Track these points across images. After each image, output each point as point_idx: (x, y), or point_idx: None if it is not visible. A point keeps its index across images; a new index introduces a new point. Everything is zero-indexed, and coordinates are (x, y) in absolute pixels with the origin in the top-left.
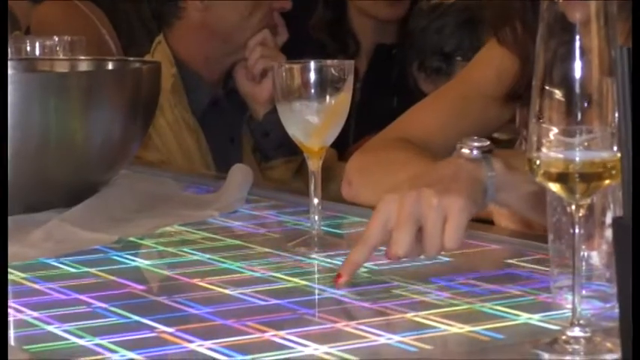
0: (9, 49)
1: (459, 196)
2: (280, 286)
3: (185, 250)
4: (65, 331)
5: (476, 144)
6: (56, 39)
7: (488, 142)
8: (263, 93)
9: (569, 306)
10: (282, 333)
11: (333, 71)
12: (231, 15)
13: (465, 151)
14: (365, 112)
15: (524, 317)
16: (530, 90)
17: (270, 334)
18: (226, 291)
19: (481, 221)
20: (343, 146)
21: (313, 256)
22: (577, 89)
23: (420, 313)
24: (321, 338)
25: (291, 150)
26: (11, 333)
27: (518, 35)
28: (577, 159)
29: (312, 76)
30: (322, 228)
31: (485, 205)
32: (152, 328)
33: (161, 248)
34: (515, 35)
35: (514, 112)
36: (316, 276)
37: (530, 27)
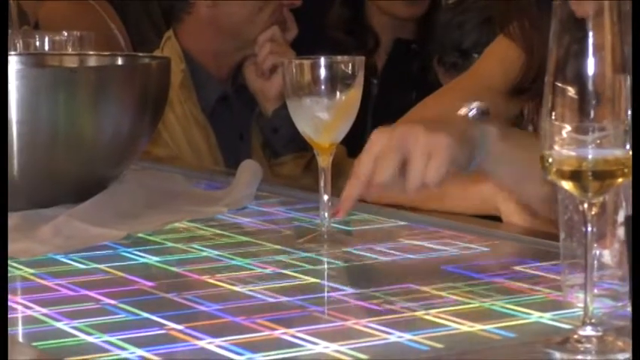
0: (18, 44)
1: (447, 137)
2: (290, 284)
3: (194, 246)
4: (74, 327)
5: (474, 104)
6: (65, 34)
7: (486, 105)
8: (272, 89)
9: (581, 304)
10: (291, 330)
11: (343, 67)
12: (241, 11)
13: (463, 110)
14: (382, 108)
15: (535, 316)
16: (535, 84)
17: (280, 332)
18: (236, 288)
19: (490, 218)
20: (353, 142)
21: (323, 253)
22: (590, 86)
23: (431, 312)
24: (331, 336)
25: (300, 146)
26: (20, 329)
27: (526, 29)
28: (590, 157)
29: (323, 72)
30: (332, 225)
31: (470, 164)
32: (161, 325)
33: (170, 244)
34: (522, 29)
35: (521, 107)
36: (326, 273)
37: (536, 21)
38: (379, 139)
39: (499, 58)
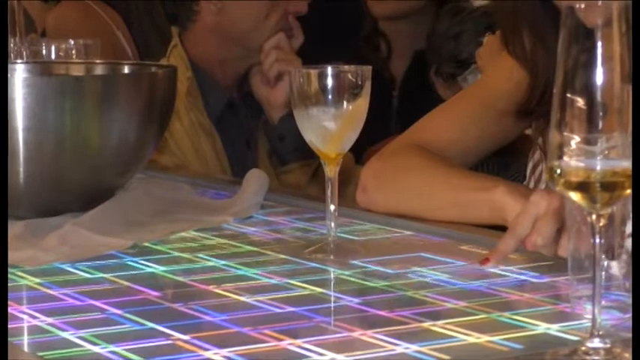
0: (25, 52)
1: None
2: (296, 294)
3: (200, 256)
4: (80, 337)
5: None
6: (72, 42)
7: None
8: (278, 97)
9: (589, 316)
10: (298, 341)
11: (350, 77)
12: (246, 18)
13: None
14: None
15: (542, 327)
16: (541, 105)
17: (286, 343)
18: (242, 298)
19: (497, 228)
20: (360, 150)
21: (329, 263)
22: (598, 97)
23: (438, 323)
24: (338, 347)
25: (306, 154)
26: (25, 339)
27: (527, 49)
28: (598, 168)
29: (330, 81)
30: (338, 234)
31: None
32: (167, 336)
33: (176, 254)
34: (524, 49)
35: (525, 127)
36: (332, 283)
37: (539, 37)
38: (539, 203)
39: (505, 78)
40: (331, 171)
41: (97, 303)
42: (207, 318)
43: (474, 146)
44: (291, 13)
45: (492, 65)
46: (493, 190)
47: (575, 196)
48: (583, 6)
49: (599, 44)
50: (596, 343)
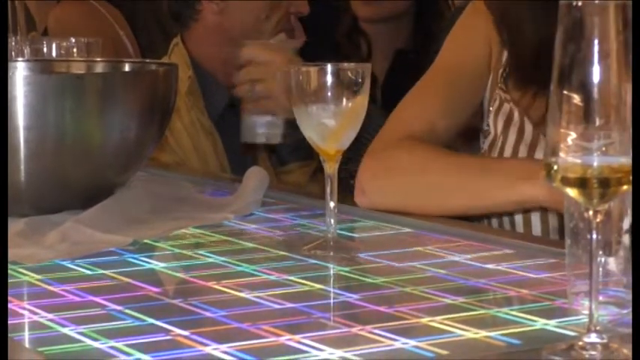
0: (26, 50)
1: None
2: (295, 290)
3: (200, 252)
4: (80, 333)
5: None
6: (73, 40)
7: None
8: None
9: (586, 312)
10: (297, 337)
11: (349, 74)
12: (247, 18)
13: None
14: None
15: (540, 323)
16: (528, 71)
17: (285, 338)
18: (241, 294)
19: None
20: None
21: (329, 259)
22: (595, 94)
23: (436, 318)
24: (337, 342)
25: (306, 154)
26: (26, 335)
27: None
28: (595, 164)
29: (329, 79)
30: (338, 231)
31: None
32: (167, 331)
33: (176, 251)
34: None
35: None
36: (332, 280)
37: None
38: None
39: (465, 51)
40: (330, 168)
41: (98, 299)
42: (207, 314)
43: (459, 115)
44: (292, 13)
45: (451, 41)
46: (514, 190)
47: (572, 192)
48: (580, 4)
49: (596, 41)
50: (593, 338)
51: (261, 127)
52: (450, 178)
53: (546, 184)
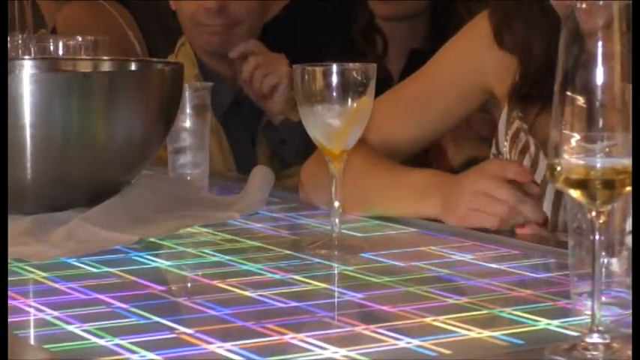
0: (32, 48)
1: None
2: (300, 289)
3: (205, 251)
4: (85, 330)
5: None
6: (79, 39)
7: None
8: (275, 106)
9: (589, 312)
10: (301, 336)
11: (355, 74)
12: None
13: None
14: None
15: (543, 323)
16: (534, 89)
17: (290, 337)
18: (246, 293)
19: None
20: None
21: (333, 258)
22: (599, 96)
23: (440, 318)
24: (340, 341)
25: (309, 156)
26: (32, 332)
27: (518, 39)
28: (598, 165)
29: (334, 79)
30: (342, 231)
31: None
32: (172, 329)
33: (182, 249)
34: (515, 39)
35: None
36: (336, 279)
37: (531, 29)
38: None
39: (454, 66)
40: (335, 167)
41: (103, 297)
42: (212, 312)
43: (421, 132)
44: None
45: (443, 52)
46: (416, 206)
47: (575, 193)
48: (585, 6)
49: (600, 43)
50: (595, 338)
51: None
52: (370, 187)
53: (440, 203)
